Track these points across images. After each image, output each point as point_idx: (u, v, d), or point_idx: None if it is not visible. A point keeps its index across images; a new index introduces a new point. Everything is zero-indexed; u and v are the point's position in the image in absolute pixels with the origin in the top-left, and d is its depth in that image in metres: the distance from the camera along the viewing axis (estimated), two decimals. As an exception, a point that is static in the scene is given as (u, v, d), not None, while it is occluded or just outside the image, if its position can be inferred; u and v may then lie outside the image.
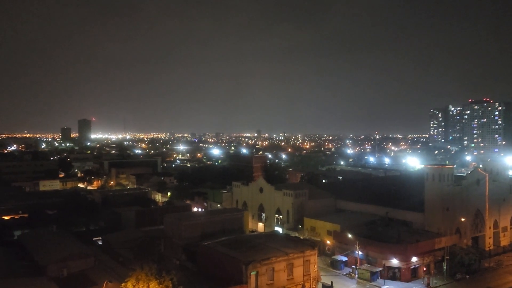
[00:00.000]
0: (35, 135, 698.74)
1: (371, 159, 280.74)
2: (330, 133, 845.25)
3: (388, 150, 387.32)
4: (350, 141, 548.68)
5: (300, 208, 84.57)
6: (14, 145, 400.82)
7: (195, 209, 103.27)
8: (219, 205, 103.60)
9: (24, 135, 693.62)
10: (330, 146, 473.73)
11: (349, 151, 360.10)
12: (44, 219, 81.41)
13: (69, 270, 51.52)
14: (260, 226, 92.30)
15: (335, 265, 67.60)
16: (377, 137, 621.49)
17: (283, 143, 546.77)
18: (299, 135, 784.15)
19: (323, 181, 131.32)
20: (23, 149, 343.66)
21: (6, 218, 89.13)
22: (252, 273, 49.91)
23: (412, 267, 62.71)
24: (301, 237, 71.28)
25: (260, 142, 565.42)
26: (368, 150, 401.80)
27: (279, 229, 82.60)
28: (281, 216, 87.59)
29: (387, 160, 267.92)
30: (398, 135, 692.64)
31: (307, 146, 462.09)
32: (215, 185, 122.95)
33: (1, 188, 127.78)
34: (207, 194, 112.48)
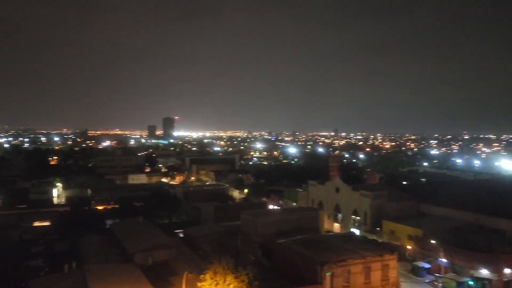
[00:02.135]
0: (125, 132, 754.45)
1: (459, 161, 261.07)
2: (412, 132, 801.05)
3: (478, 152, 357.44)
4: (435, 141, 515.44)
5: (379, 210, 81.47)
6: (108, 141, 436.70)
7: (270, 207, 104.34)
8: (294, 204, 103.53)
9: (116, 132, 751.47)
10: (412, 146, 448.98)
11: (434, 151, 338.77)
12: (132, 210, 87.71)
13: (154, 259, 54.99)
14: (336, 226, 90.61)
15: (416, 272, 64.11)
16: (466, 137, 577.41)
17: (361, 142, 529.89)
18: (378, 135, 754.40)
19: (404, 183, 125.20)
20: (115, 145, 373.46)
21: (100, 208, 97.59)
22: (327, 274, 49.21)
23: (505, 279, 57.28)
24: (379, 240, 68.74)
25: (337, 141, 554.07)
26: (455, 151, 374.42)
27: (355, 231, 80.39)
28: (358, 218, 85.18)
29: (477, 163, 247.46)
30: (491, 136, 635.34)
31: (387, 146, 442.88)
32: (291, 183, 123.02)
33: (96, 181, 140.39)
34: (283, 192, 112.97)
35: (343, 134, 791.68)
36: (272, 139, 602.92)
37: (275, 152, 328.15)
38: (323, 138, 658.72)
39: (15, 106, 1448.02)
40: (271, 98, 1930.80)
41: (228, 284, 40.41)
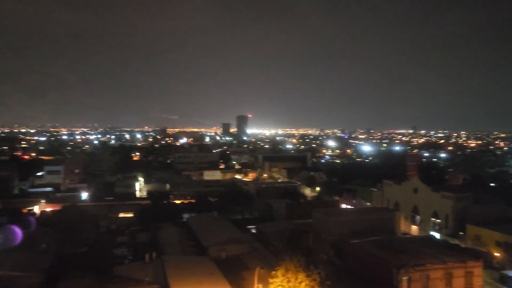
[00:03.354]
0: (201, 130, 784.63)
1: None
2: (502, 130, 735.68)
3: None
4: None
5: (462, 213, 76.07)
6: (185, 138, 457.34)
7: (343, 206, 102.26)
8: (368, 204, 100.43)
9: (192, 130, 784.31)
10: (502, 145, 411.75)
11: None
12: (207, 205, 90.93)
13: (227, 253, 56.59)
14: (414, 229, 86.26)
15: (505, 282, 58.85)
16: None
17: (443, 140, 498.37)
18: (462, 132, 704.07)
19: (492, 184, 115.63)
20: (191, 142, 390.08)
21: (177, 202, 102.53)
22: (403, 278, 47.02)
23: None
24: (462, 246, 64.20)
25: (415, 139, 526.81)
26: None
27: (435, 234, 75.90)
28: (438, 220, 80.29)
29: None
30: None
31: (472, 145, 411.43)
32: (365, 182, 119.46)
33: (174, 176, 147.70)
34: (356, 191, 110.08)
35: (423, 131, 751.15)
36: (345, 136, 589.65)
37: (348, 150, 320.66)
38: (400, 136, 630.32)
39: (104, 106, 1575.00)
40: (344, 95, 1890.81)
41: (300, 282, 40.27)
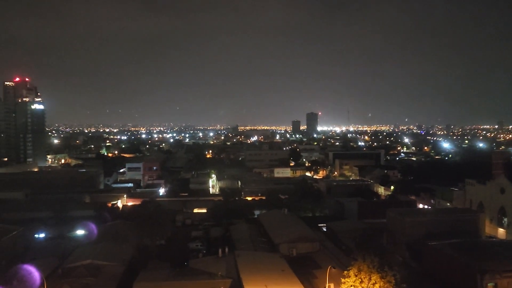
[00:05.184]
0: (271, 128, 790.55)
1: None
2: None
3: None
4: None
5: (559, 217, 68.55)
6: (255, 136, 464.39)
7: (420, 206, 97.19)
8: (448, 204, 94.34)
9: (263, 127, 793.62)
10: None
11: None
12: (277, 202, 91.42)
13: (297, 251, 56.51)
14: (501, 232, 79.42)
15: None
16: None
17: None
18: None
19: None
20: (262, 140, 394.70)
21: (249, 199, 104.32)
22: (489, 284, 43.52)
23: None
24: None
25: (502, 135, 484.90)
26: None
27: (527, 239, 69.23)
28: (530, 224, 73.13)
29: None
30: None
31: None
32: (444, 181, 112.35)
33: (246, 173, 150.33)
34: (435, 190, 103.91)
35: (510, 126, 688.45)
36: (422, 133, 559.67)
37: (425, 147, 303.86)
38: (484, 132, 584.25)
39: (193, 106, 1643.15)
40: (420, 89, 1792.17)
41: (374, 284, 39.01)
